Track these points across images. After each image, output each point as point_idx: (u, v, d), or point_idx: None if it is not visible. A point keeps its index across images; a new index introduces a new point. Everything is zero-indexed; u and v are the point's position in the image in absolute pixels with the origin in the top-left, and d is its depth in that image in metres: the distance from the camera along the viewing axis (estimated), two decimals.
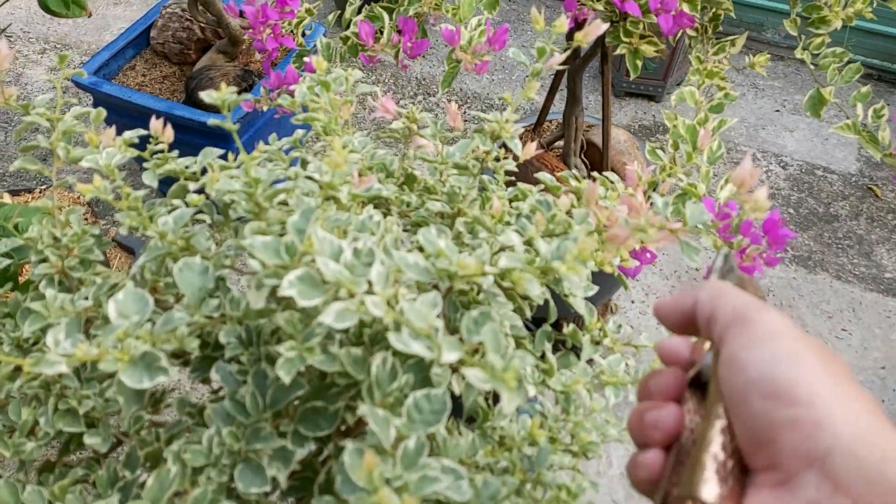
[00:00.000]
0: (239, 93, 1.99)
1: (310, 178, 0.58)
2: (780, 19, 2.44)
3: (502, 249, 0.66)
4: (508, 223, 0.78)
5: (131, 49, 2.03)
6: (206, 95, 0.60)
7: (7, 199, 1.34)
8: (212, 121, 0.64)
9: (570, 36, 1.45)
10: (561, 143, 1.68)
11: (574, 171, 1.63)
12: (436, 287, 0.54)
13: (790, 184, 2.15)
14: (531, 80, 0.78)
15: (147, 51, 2.05)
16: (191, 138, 1.89)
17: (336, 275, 0.47)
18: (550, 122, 1.83)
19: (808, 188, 2.14)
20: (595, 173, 0.89)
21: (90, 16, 1.25)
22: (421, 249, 0.77)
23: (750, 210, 0.69)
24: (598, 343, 0.80)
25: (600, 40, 1.40)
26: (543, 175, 0.89)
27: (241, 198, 0.58)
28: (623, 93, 2.40)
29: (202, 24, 1.96)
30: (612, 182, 0.93)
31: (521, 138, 1.81)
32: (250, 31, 1.15)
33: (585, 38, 0.80)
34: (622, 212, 0.92)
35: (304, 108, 0.84)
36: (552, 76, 1.63)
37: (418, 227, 0.81)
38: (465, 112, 2.42)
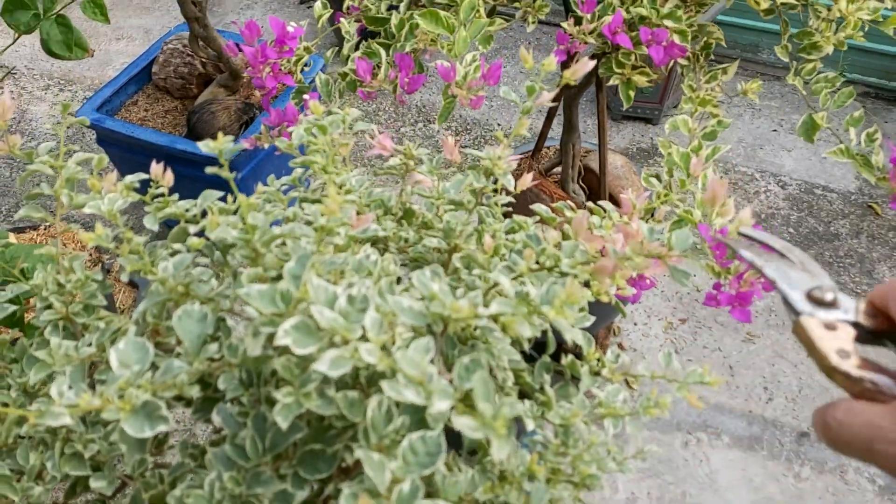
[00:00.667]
0: (240, 126, 2.00)
1: (308, 222, 0.59)
2: (775, 40, 2.46)
3: (496, 285, 0.67)
4: (504, 256, 0.79)
5: (133, 85, 2.05)
6: (204, 146, 0.62)
7: (12, 238, 1.35)
8: (210, 169, 0.66)
9: (564, 66, 1.47)
10: (559, 169, 1.69)
11: (572, 196, 1.65)
12: (430, 328, 0.55)
13: (790, 203, 2.16)
14: (522, 118, 0.80)
15: (149, 86, 2.07)
16: (193, 171, 1.91)
17: (330, 322, 0.48)
18: (548, 148, 1.85)
19: (807, 207, 2.15)
20: (589, 203, 0.91)
21: (92, 55, 1.27)
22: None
23: (734, 227, 0.71)
24: (596, 373, 0.81)
25: (594, 69, 1.42)
26: (539, 207, 0.91)
27: (238, 244, 0.59)
28: (620, 116, 2.42)
29: (203, 59, 1.98)
30: (605, 211, 0.94)
31: (519, 165, 1.82)
32: (250, 69, 1.18)
33: (574, 75, 0.81)
34: (618, 240, 0.93)
35: (302, 148, 0.85)
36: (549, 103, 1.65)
37: (416, 262, 0.82)
38: (464, 138, 2.45)
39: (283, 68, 1.22)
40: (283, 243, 0.66)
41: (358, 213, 0.82)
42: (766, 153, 2.30)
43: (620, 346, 1.82)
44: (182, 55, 2.01)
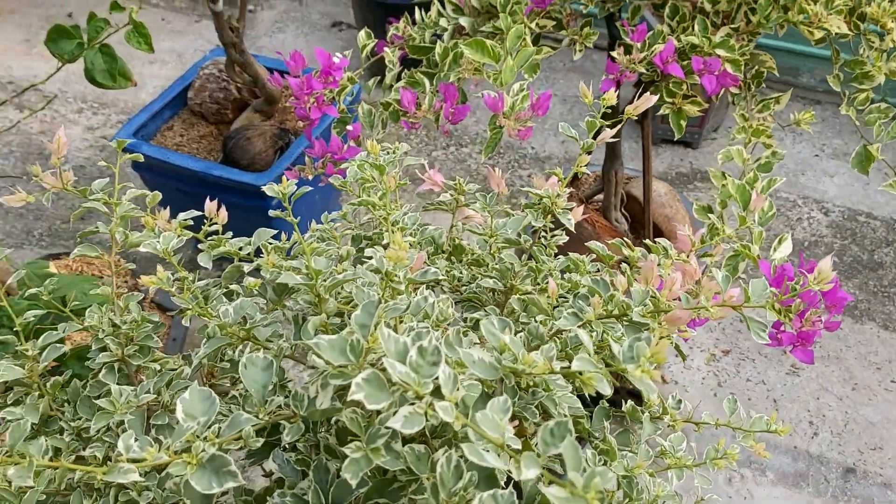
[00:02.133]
0: (275, 152, 2.00)
1: (376, 270, 0.57)
2: (816, 64, 2.43)
3: (559, 333, 0.65)
4: (565, 298, 0.77)
5: (169, 110, 2.06)
6: (270, 189, 0.60)
7: (52, 268, 1.35)
8: (273, 212, 0.64)
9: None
10: (600, 196, 1.67)
11: (615, 225, 1.62)
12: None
13: (833, 231, 2.12)
14: (582, 155, 0.78)
15: (184, 111, 2.08)
16: (229, 197, 1.91)
17: (403, 377, 0.46)
18: (589, 174, 1.83)
19: (850, 235, 2.11)
20: (647, 241, 0.88)
21: (136, 85, 1.27)
22: (475, 327, 0.76)
23: (814, 282, 0.68)
24: (658, 418, 0.78)
25: (641, 95, 1.40)
26: (595, 245, 0.88)
27: (301, 290, 0.58)
28: (659, 140, 2.40)
29: (239, 85, 1.99)
30: (664, 248, 0.92)
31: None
32: (293, 100, 1.17)
33: (636, 111, 0.79)
34: (676, 280, 0.91)
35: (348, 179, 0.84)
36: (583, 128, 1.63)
37: (469, 302, 0.80)
38: (496, 161, 2.43)
39: (325, 98, 1.21)
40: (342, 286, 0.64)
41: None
42: (808, 179, 2.26)
43: (663, 378, 1.79)
44: (218, 80, 2.02)
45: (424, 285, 0.79)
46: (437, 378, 0.46)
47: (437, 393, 0.46)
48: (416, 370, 0.48)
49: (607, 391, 0.47)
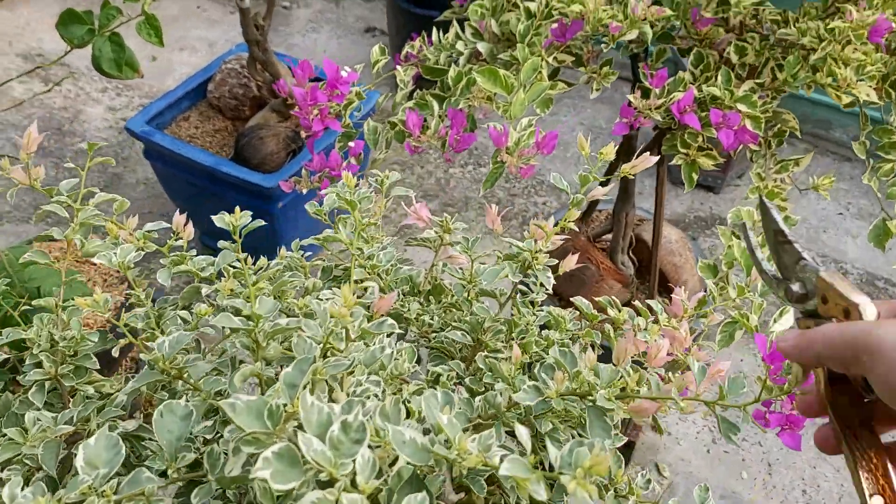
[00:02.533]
0: (287, 154, 1.96)
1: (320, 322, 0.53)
2: (850, 120, 2.35)
3: (517, 405, 0.60)
4: (540, 357, 0.72)
5: (187, 100, 2.04)
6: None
7: (37, 252, 1.33)
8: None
9: (625, 142, 1.41)
10: (609, 235, 1.62)
11: (620, 268, 1.57)
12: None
13: None
14: (571, 209, 0.74)
15: (202, 103, 2.06)
16: (236, 196, 1.89)
17: (317, 457, 0.41)
18: (600, 211, 1.78)
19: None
20: (636, 302, 0.83)
21: (142, 77, 1.24)
22: (437, 381, 0.72)
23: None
24: (623, 497, 0.73)
25: (658, 139, 1.34)
26: (580, 300, 0.84)
27: (240, 332, 0.54)
28: (679, 181, 2.34)
29: (259, 83, 1.96)
30: (653, 311, 0.87)
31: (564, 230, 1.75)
32: (297, 110, 1.13)
33: (633, 170, 0.75)
34: (662, 346, 0.85)
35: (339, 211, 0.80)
36: (605, 164, 1.57)
37: (437, 351, 0.76)
38: (514, 186, 2.38)
39: (331, 111, 1.17)
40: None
41: (382, 292, 0.76)
42: (829, 237, 2.19)
43: (658, 428, 1.73)
44: (239, 76, 1.99)
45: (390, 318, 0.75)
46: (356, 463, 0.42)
47: (353, 483, 0.42)
48: (337, 447, 0.43)
49: (543, 496, 0.42)
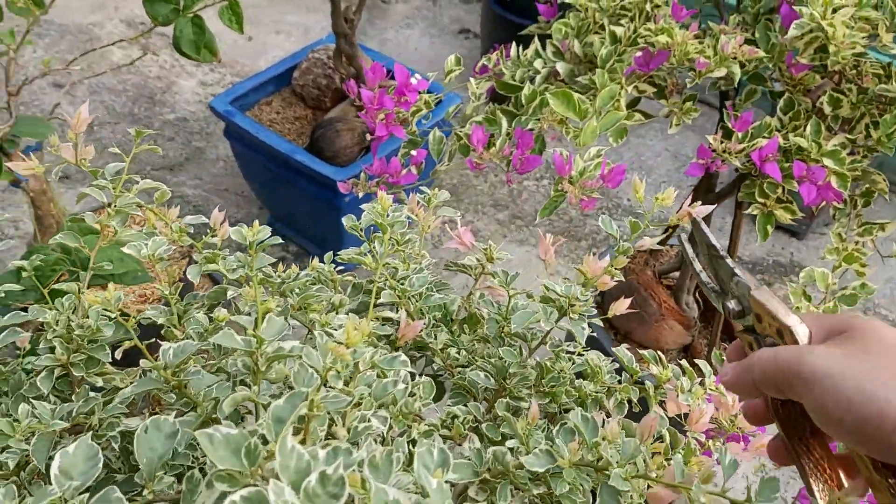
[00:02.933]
0: (360, 149, 1.95)
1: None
2: None
3: (523, 467, 0.56)
4: (568, 408, 0.68)
5: (272, 85, 2.05)
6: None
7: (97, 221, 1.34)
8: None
9: (705, 180, 1.34)
10: (677, 273, 1.55)
11: (684, 309, 1.50)
12: None
13: None
14: (618, 256, 0.69)
15: (286, 89, 2.07)
16: (306, 185, 1.89)
17: None
18: (672, 246, 1.70)
19: None
20: (684, 362, 0.78)
21: (220, 62, 1.24)
22: (452, 422, 0.68)
23: None
24: None
25: (738, 183, 1.27)
26: (621, 351, 0.79)
27: (240, 352, 0.51)
28: None
29: (342, 75, 1.96)
30: (702, 372, 0.81)
31: (633, 258, 1.68)
32: (363, 113, 1.11)
33: (684, 220, 0.69)
34: (707, 411, 0.80)
35: (373, 228, 0.77)
36: (691, 188, 1.49)
37: (459, 388, 0.72)
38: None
39: (398, 116, 1.14)
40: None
41: (411, 318, 0.73)
42: None
43: None
44: (324, 66, 2.00)
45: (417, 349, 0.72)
46: None
47: None
48: (311, 500, 0.40)
49: None
